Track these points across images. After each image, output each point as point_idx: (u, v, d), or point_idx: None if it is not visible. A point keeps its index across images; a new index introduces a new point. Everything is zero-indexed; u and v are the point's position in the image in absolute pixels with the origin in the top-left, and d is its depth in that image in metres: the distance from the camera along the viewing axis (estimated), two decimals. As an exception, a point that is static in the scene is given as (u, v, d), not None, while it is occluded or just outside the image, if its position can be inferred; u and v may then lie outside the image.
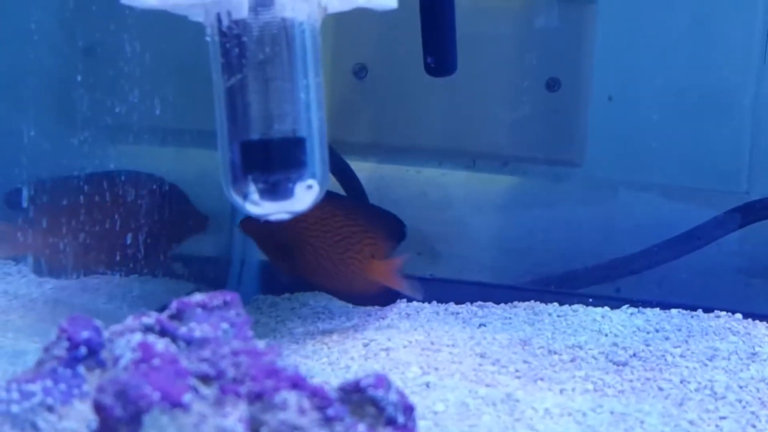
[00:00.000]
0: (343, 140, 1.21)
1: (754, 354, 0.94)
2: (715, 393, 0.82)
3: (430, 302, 1.10)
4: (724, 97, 1.26)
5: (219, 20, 0.61)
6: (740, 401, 0.81)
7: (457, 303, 1.11)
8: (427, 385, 0.79)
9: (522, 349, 0.92)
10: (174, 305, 0.53)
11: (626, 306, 1.09)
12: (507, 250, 1.28)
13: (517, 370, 0.87)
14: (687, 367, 0.89)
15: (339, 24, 1.25)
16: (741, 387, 0.84)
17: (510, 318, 1.04)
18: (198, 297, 0.53)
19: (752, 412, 0.79)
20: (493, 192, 1.32)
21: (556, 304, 1.09)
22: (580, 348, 0.93)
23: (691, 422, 0.76)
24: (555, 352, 0.92)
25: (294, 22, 0.61)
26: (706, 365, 0.90)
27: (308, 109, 0.62)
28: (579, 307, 1.07)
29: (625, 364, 0.89)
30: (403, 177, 1.33)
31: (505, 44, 1.29)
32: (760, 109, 1.25)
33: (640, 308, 1.07)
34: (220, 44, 0.61)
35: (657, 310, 1.07)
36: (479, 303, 1.10)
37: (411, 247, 1.24)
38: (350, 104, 1.31)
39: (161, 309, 0.54)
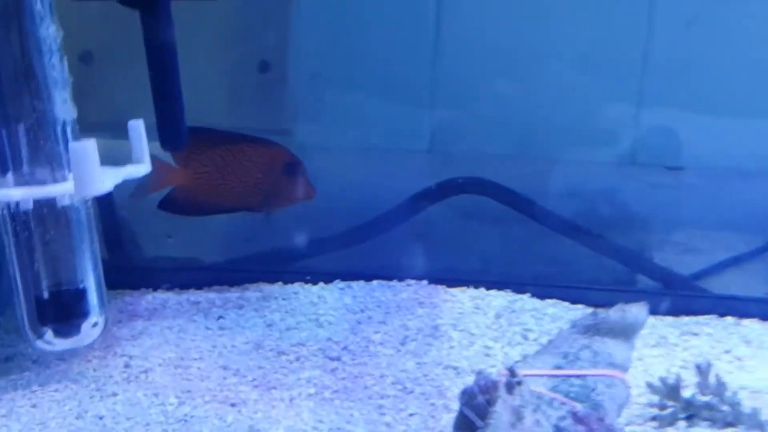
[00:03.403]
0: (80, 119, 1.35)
1: (435, 329, 1.21)
2: (405, 388, 1.08)
3: (172, 289, 1.29)
4: (407, 72, 1.49)
5: (8, 207, 0.76)
6: (424, 394, 1.07)
7: (197, 288, 1.30)
8: (185, 420, 1.00)
9: (256, 353, 1.14)
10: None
11: (338, 281, 1.32)
12: (235, 224, 1.47)
13: (254, 379, 1.09)
14: (385, 355, 1.14)
15: (62, 14, 1.36)
16: (425, 376, 1.10)
17: (243, 306, 1.26)
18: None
19: (432, 404, 1.05)
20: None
21: (280, 283, 1.32)
22: (303, 345, 1.16)
23: (387, 425, 1.01)
24: (283, 353, 1.14)
25: (71, 205, 0.76)
26: (399, 351, 1.16)
27: (87, 264, 0.79)
28: (299, 289, 1.30)
29: (338, 359, 1.14)
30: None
31: (220, 33, 1.45)
32: (435, 83, 1.49)
33: (349, 283, 1.31)
34: (11, 224, 0.76)
35: (362, 283, 1.32)
36: (216, 288, 1.30)
37: (152, 228, 1.41)
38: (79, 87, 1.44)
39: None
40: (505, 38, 1.50)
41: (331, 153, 1.52)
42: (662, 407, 1.05)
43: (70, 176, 0.75)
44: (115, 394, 1.05)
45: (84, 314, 0.79)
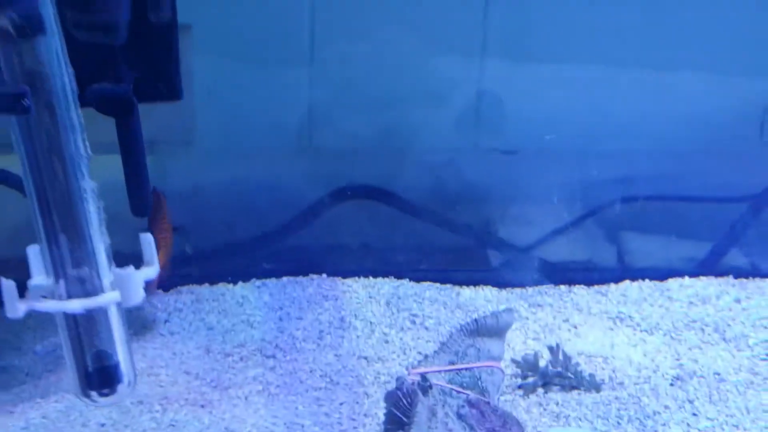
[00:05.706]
0: None
1: (342, 320, 1.51)
2: (332, 380, 1.36)
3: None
4: (285, 81, 1.75)
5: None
6: (347, 384, 1.36)
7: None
8: (173, 425, 1.28)
9: (207, 356, 1.42)
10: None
11: (254, 279, 1.61)
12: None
13: (212, 380, 1.36)
14: (309, 350, 1.44)
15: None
16: (344, 367, 1.40)
17: (182, 309, 1.52)
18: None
19: (355, 392, 1.35)
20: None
21: (207, 284, 1.59)
22: (243, 346, 1.44)
23: (326, 415, 1.30)
24: (228, 354, 1.42)
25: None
26: (319, 345, 1.46)
27: (121, 339, 1.05)
28: (224, 290, 1.58)
29: (273, 357, 1.43)
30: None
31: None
32: (313, 80, 1.76)
33: (264, 281, 1.60)
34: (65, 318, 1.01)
35: (274, 279, 1.61)
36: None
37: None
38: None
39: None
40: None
41: (231, 158, 1.77)
42: (525, 378, 1.41)
43: (109, 283, 1.01)
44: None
45: (119, 380, 1.05)
